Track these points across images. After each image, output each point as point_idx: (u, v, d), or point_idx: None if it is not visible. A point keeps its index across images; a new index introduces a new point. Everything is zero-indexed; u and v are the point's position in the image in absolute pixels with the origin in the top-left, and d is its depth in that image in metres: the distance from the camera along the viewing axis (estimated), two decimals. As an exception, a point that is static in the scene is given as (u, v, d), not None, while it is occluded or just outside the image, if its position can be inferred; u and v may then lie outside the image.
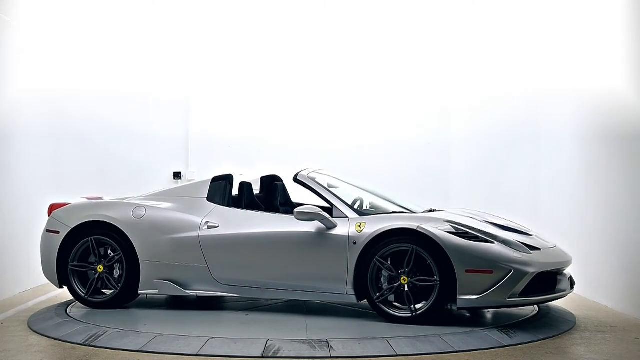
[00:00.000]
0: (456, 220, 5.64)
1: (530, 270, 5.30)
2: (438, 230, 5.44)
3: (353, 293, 5.71)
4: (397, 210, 6.24)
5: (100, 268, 6.42)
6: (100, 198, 7.04)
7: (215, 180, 6.64)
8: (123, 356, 4.72)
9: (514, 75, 9.05)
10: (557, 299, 5.71)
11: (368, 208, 6.43)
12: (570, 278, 5.88)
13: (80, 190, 9.05)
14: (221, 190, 6.58)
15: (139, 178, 9.35)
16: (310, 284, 5.88)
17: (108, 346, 4.94)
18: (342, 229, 5.78)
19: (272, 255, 6.00)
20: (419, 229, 5.46)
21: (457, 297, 5.34)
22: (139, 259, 6.33)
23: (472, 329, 5.42)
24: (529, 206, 8.77)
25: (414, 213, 6.17)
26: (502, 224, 6.04)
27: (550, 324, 5.62)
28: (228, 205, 6.45)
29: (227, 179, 6.69)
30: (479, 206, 9.22)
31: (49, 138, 8.78)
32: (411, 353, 4.69)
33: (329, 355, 4.62)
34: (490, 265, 5.29)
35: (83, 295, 6.44)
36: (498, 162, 9.31)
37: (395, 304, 5.61)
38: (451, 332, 5.27)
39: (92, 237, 6.44)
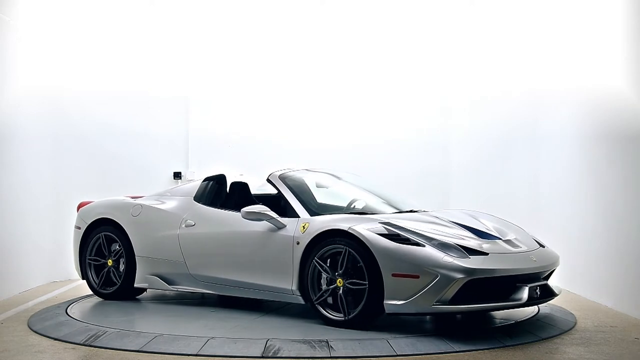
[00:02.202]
0: (392, 222, 5.40)
1: (459, 276, 4.91)
2: (368, 232, 5.24)
3: (299, 294, 5.68)
4: (384, 211, 6.26)
5: (109, 262, 6.92)
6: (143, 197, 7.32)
7: (206, 180, 6.87)
8: (123, 356, 4.71)
9: (514, 75, 9.04)
10: (505, 308, 5.29)
11: (361, 209, 6.42)
12: (543, 287, 5.43)
13: (80, 191, 9.06)
14: (208, 190, 6.77)
15: (139, 178, 9.34)
16: (263, 283, 5.95)
17: (108, 346, 4.94)
18: (290, 229, 5.79)
19: (232, 253, 6.19)
20: (350, 230, 5.31)
21: (384, 301, 5.11)
22: (135, 254, 6.76)
23: (472, 329, 5.42)
24: (529, 206, 8.77)
25: (402, 213, 6.21)
26: (472, 226, 5.77)
27: (550, 324, 5.62)
28: (212, 205, 6.56)
29: (216, 179, 6.83)
30: (479, 206, 9.25)
31: (48, 138, 8.78)
32: (411, 353, 4.69)
33: (329, 355, 4.62)
34: (417, 269, 5.00)
35: (95, 286, 6.96)
36: (498, 162, 9.31)
37: (339, 306, 5.44)
38: (451, 332, 5.27)
39: (102, 233, 6.97)
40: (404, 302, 5.04)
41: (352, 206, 6.50)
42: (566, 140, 7.78)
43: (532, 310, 6.11)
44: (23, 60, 8.15)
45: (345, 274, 5.35)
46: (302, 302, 5.70)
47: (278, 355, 4.65)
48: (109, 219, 6.94)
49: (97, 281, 6.96)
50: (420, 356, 4.65)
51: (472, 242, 5.40)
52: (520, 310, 6.01)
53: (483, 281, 5.03)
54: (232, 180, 6.75)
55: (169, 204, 6.82)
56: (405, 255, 5.08)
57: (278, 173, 6.44)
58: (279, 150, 9.52)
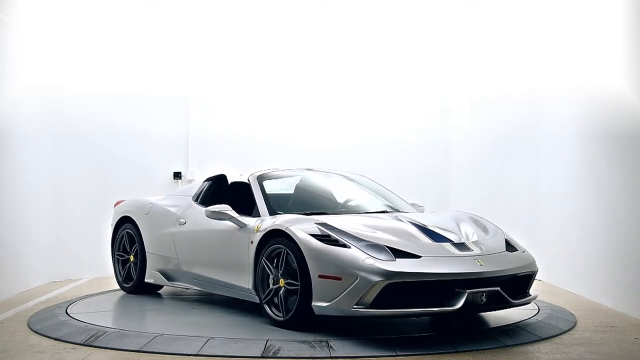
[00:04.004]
0: (327, 222, 5.33)
1: (377, 279, 4.76)
2: (301, 232, 5.20)
3: (254, 293, 5.70)
4: (375, 210, 6.25)
5: (131, 258, 7.27)
6: None
7: (206, 180, 7.05)
8: (123, 356, 4.71)
9: (514, 75, 9.05)
10: (434, 314, 5.08)
11: (349, 208, 6.41)
12: (495, 294, 5.06)
13: (80, 191, 9.08)
14: (205, 190, 6.94)
15: (139, 178, 9.34)
16: (228, 281, 6.08)
17: (108, 346, 4.94)
18: (248, 229, 5.84)
19: (208, 251, 6.38)
20: (286, 230, 5.31)
21: (312, 302, 5.05)
22: (146, 250, 7.08)
23: (473, 329, 5.42)
24: (529, 206, 8.77)
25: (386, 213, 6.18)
26: (430, 227, 5.56)
27: (550, 324, 5.61)
28: (208, 205, 6.59)
29: (215, 179, 6.96)
30: (479, 206, 9.26)
31: (48, 138, 8.78)
32: (411, 353, 4.69)
33: (329, 355, 4.61)
34: (339, 271, 4.91)
35: (120, 280, 7.39)
36: (498, 162, 9.31)
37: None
38: (451, 332, 5.27)
39: (125, 231, 7.37)
40: (328, 303, 4.97)
41: (345, 205, 6.49)
42: (566, 140, 7.78)
43: (532, 310, 6.10)
44: (23, 60, 8.15)
45: (284, 274, 5.35)
46: (258, 301, 5.70)
47: (278, 355, 4.64)
48: (129, 217, 7.32)
49: (122, 276, 7.35)
50: (420, 356, 4.64)
51: (412, 244, 5.20)
52: (520, 310, 6.00)
53: (412, 285, 4.86)
54: (232, 180, 6.76)
55: (174, 203, 7.05)
56: (330, 257, 5.01)
57: (258, 173, 6.53)
58: (279, 150, 9.51)
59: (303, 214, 5.77)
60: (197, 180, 9.40)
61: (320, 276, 5.02)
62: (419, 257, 5.05)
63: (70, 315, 6.04)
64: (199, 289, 6.57)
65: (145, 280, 7.08)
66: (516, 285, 5.38)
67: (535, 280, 5.74)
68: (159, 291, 7.35)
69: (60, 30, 9.04)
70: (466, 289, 4.94)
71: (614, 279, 6.55)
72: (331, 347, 4.77)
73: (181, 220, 6.74)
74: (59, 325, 5.63)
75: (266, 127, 9.71)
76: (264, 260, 5.52)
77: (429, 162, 9.81)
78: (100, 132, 9.27)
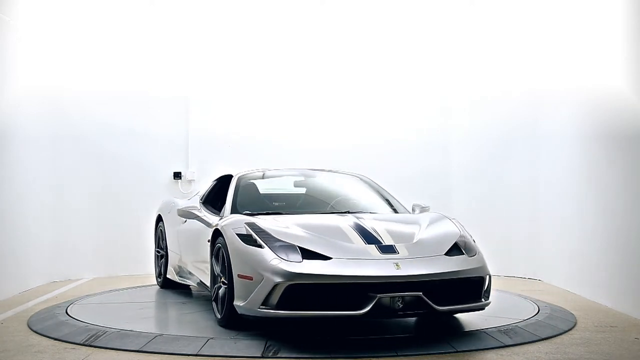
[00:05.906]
0: (255, 222, 5.33)
1: (277, 279, 4.73)
2: (231, 232, 5.27)
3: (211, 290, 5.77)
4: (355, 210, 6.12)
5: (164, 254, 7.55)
6: None
7: (214, 180, 7.17)
8: (123, 356, 4.71)
9: (514, 74, 9.05)
10: (341, 318, 4.80)
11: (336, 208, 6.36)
12: (417, 299, 4.83)
13: (80, 191, 9.07)
14: (210, 190, 7.09)
15: (139, 178, 9.34)
16: (201, 278, 6.24)
17: (108, 346, 4.93)
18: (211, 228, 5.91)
19: (191, 249, 6.58)
20: (221, 229, 5.40)
21: (234, 301, 5.09)
22: (168, 247, 7.41)
23: (473, 329, 5.42)
24: (529, 206, 8.77)
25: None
26: (367, 229, 5.37)
27: (550, 324, 5.61)
28: (212, 204, 6.65)
29: (220, 179, 7.04)
30: (479, 206, 9.25)
31: (48, 138, 8.78)
32: (411, 353, 4.69)
33: (329, 356, 4.62)
34: (251, 271, 4.94)
35: (156, 275, 7.83)
36: (498, 162, 9.31)
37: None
38: (452, 332, 5.27)
39: (159, 228, 7.72)
40: (244, 303, 4.98)
41: (333, 206, 6.43)
42: (566, 140, 7.78)
43: (532, 310, 6.11)
44: (23, 60, 8.15)
45: (222, 272, 5.40)
46: None
47: (278, 355, 4.64)
48: (161, 215, 7.72)
49: (157, 271, 7.79)
50: (420, 356, 4.64)
51: (332, 246, 5.06)
52: (520, 310, 6.01)
53: (318, 287, 4.77)
54: None
55: (188, 203, 7.13)
56: (246, 256, 5.06)
57: (242, 173, 6.64)
58: (279, 150, 9.51)
59: (258, 214, 5.73)
60: (197, 180, 9.46)
61: (239, 276, 5.08)
62: (329, 258, 4.93)
63: (70, 315, 6.04)
64: (194, 285, 6.68)
65: (167, 276, 7.40)
66: (457, 291, 5.10)
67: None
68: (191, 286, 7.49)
69: (60, 30, 9.04)
70: (380, 293, 4.76)
71: (614, 279, 6.55)
72: (331, 347, 4.77)
73: (182, 219, 6.87)
74: (59, 325, 5.63)
75: (266, 127, 9.71)
76: (213, 259, 5.61)
77: (429, 162, 9.81)
78: (100, 132, 9.26)
